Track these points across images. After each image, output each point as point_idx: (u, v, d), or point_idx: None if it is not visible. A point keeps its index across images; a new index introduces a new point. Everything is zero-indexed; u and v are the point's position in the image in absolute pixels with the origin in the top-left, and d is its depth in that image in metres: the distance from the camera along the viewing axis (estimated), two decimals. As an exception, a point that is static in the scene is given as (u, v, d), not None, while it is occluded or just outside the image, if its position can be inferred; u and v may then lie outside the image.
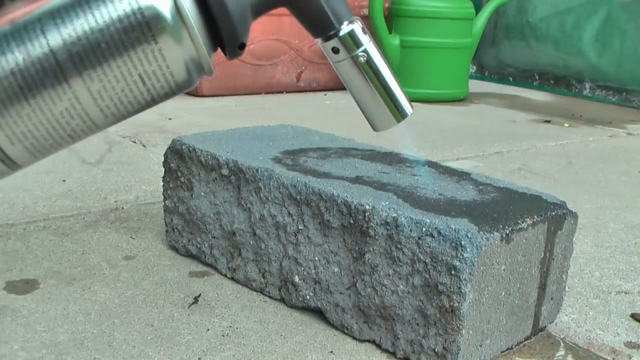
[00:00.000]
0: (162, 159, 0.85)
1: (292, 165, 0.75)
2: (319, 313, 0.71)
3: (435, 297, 0.60)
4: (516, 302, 0.64)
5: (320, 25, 0.44)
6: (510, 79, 2.82)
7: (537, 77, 2.75)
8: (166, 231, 0.87)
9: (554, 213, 0.66)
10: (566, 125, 1.97)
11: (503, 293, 0.62)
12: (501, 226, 0.60)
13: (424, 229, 0.60)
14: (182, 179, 0.82)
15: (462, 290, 0.58)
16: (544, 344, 0.69)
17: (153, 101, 0.39)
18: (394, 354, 0.65)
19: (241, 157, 0.76)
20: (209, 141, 0.82)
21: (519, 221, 0.62)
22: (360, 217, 0.64)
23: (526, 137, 1.75)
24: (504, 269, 0.61)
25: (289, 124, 0.98)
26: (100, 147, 1.40)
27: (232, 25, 0.39)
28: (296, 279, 0.71)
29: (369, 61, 0.46)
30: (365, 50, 0.45)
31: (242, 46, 0.40)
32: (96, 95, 0.37)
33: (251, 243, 0.75)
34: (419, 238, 0.60)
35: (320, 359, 0.64)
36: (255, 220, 0.74)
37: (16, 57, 0.36)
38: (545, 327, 0.71)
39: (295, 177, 0.71)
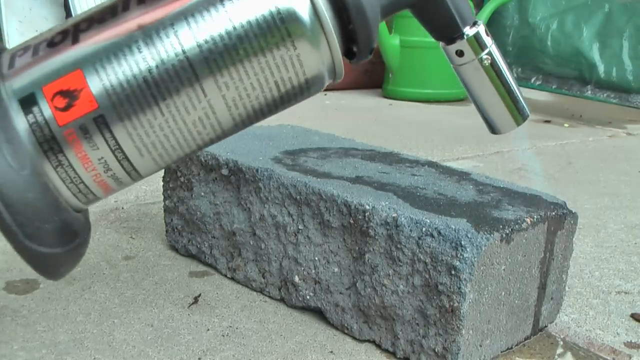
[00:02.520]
0: (162, 159, 0.85)
1: (292, 165, 0.75)
2: (319, 313, 0.71)
3: (435, 297, 0.60)
4: (516, 302, 0.64)
5: (446, 27, 0.44)
6: (510, 78, 2.81)
7: (537, 77, 2.75)
8: (166, 231, 0.87)
9: (554, 213, 0.66)
10: (566, 125, 1.97)
11: (503, 293, 0.62)
12: (501, 226, 0.60)
13: (424, 229, 0.60)
14: (182, 179, 0.82)
15: (462, 290, 0.58)
16: (544, 344, 0.69)
17: (282, 107, 0.38)
18: (394, 354, 0.65)
19: (241, 157, 0.76)
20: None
21: (519, 221, 0.62)
22: (360, 217, 0.64)
23: (526, 137, 1.75)
24: (504, 269, 0.61)
25: (289, 124, 0.98)
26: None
27: (368, 30, 0.38)
28: (296, 279, 0.71)
29: (493, 63, 0.45)
30: (489, 53, 0.45)
31: (372, 50, 0.39)
32: (230, 103, 0.36)
33: (251, 243, 0.75)
34: (419, 238, 0.60)
35: (320, 359, 0.64)
36: (255, 220, 0.74)
37: (149, 64, 0.34)
38: (545, 327, 0.71)
39: (295, 177, 0.71)
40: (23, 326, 0.67)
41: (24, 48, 0.36)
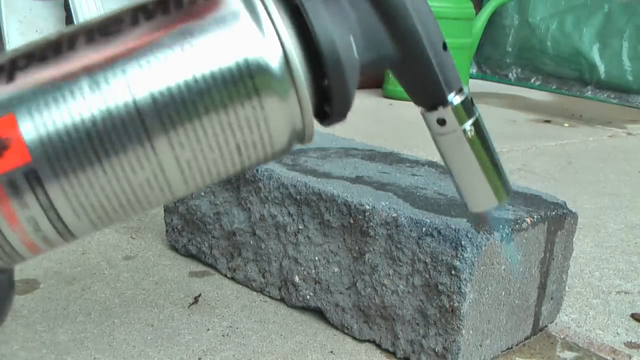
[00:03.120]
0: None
1: (292, 165, 0.75)
2: (319, 313, 0.71)
3: (435, 297, 0.60)
4: (516, 302, 0.64)
5: (429, 93, 0.39)
6: (511, 79, 2.82)
7: (537, 77, 2.75)
8: (166, 231, 0.87)
9: (554, 213, 0.66)
10: (566, 125, 1.97)
11: (503, 293, 0.62)
12: (501, 226, 0.60)
13: (424, 229, 0.60)
14: (182, 179, 0.82)
15: (462, 290, 0.58)
16: (544, 344, 0.69)
17: (241, 171, 0.34)
18: (394, 354, 0.65)
19: (241, 157, 0.76)
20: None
21: (519, 221, 0.62)
22: (360, 217, 0.64)
23: (526, 137, 1.75)
24: (504, 269, 0.61)
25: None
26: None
27: (346, 90, 0.33)
28: (296, 278, 0.71)
29: (479, 134, 0.41)
30: (475, 123, 0.40)
31: (347, 113, 0.34)
32: (184, 165, 0.31)
33: (251, 243, 0.75)
34: (419, 238, 0.60)
35: (320, 359, 0.64)
36: (255, 220, 0.74)
37: (94, 113, 0.30)
38: (545, 327, 0.71)
39: (295, 177, 0.71)
40: (23, 326, 0.67)
41: None
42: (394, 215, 0.62)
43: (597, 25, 2.55)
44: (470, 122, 0.40)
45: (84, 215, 0.31)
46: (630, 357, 0.67)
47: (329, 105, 0.33)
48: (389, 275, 0.63)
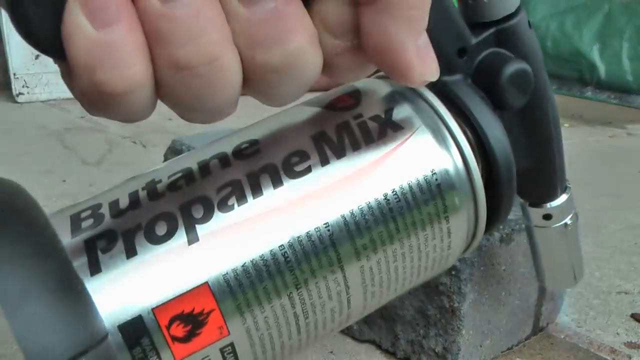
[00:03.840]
0: (162, 159, 0.85)
1: (292, 165, 0.75)
2: (319, 313, 0.71)
3: (435, 298, 0.60)
4: (516, 302, 0.64)
5: (545, 194, 0.40)
6: (510, 79, 2.81)
7: (537, 77, 2.75)
8: (166, 231, 0.87)
9: (554, 213, 0.66)
10: (566, 125, 1.97)
11: (503, 293, 0.62)
12: (501, 226, 0.60)
13: (424, 229, 0.60)
14: (182, 179, 0.82)
15: (462, 291, 0.58)
16: (544, 344, 0.69)
17: (409, 291, 0.32)
18: (394, 354, 0.65)
19: (241, 157, 0.76)
20: (209, 141, 0.82)
21: (519, 221, 0.62)
22: (360, 217, 0.64)
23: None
24: (504, 269, 0.61)
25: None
26: (100, 148, 1.40)
27: (512, 201, 0.32)
28: (296, 279, 0.71)
29: (573, 225, 0.42)
30: (573, 216, 0.42)
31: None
32: (369, 294, 0.29)
33: (251, 243, 0.75)
34: (419, 238, 0.60)
35: (320, 359, 0.64)
36: (255, 220, 0.74)
37: (298, 278, 0.26)
38: (545, 327, 0.71)
39: (295, 177, 0.71)
40: (23, 326, 0.67)
41: (104, 233, 0.25)
42: (394, 215, 0.62)
43: (597, 26, 2.55)
44: (570, 216, 0.42)
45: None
46: (630, 357, 0.67)
47: (495, 212, 0.32)
48: (389, 275, 0.63)
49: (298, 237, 0.26)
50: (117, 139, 1.47)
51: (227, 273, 0.24)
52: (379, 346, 0.66)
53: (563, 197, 0.40)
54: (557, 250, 0.44)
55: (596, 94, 2.54)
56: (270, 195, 0.26)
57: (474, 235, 0.31)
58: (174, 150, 0.82)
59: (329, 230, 0.26)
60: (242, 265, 0.25)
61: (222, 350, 0.25)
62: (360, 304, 0.29)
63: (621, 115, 2.21)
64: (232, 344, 0.25)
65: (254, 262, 0.25)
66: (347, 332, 0.68)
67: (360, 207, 0.27)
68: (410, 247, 0.28)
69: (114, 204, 0.26)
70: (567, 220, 0.42)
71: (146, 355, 0.24)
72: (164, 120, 1.71)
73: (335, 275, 0.26)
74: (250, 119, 0.35)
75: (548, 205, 0.41)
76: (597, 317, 0.75)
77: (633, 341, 0.70)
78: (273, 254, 0.25)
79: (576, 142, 1.74)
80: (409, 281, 0.30)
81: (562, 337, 0.71)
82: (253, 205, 0.26)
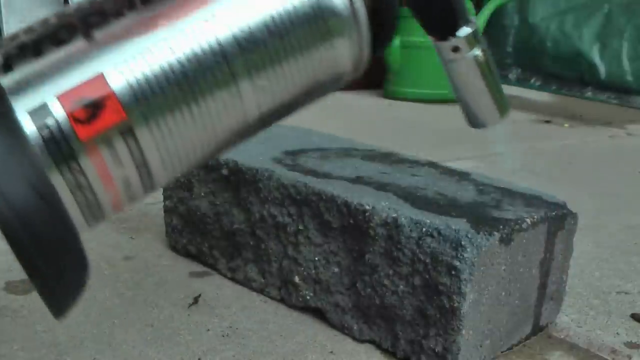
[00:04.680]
0: (162, 159, 0.85)
1: (292, 165, 0.75)
2: (319, 313, 0.71)
3: (435, 297, 0.60)
4: (516, 302, 0.64)
5: (445, 23, 0.44)
6: (511, 79, 2.82)
7: (537, 78, 2.75)
8: (166, 231, 0.87)
9: (554, 213, 0.66)
10: (566, 125, 1.97)
11: (503, 293, 0.62)
12: (501, 226, 0.60)
13: (424, 229, 0.60)
14: (182, 179, 0.82)
15: (462, 291, 0.58)
16: (544, 344, 0.69)
17: (303, 106, 0.36)
18: (394, 354, 0.65)
19: (241, 157, 0.76)
20: None
21: (519, 221, 0.62)
22: (360, 217, 0.64)
23: (526, 137, 1.75)
24: (504, 269, 0.61)
25: (289, 124, 0.98)
26: (100, 147, 1.40)
27: (392, 19, 0.37)
28: (296, 279, 0.71)
29: (487, 59, 0.46)
30: (483, 49, 0.45)
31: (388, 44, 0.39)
32: (264, 107, 0.33)
33: (251, 243, 0.75)
34: (419, 238, 0.60)
35: (320, 359, 0.64)
36: (255, 220, 0.74)
37: (182, 61, 0.30)
38: (545, 327, 0.71)
39: (295, 177, 0.71)
40: (23, 326, 0.67)
41: (19, 46, 0.31)
42: (394, 215, 0.62)
43: (597, 26, 2.55)
44: (479, 48, 0.45)
45: (170, 165, 0.32)
46: (630, 357, 0.67)
47: (380, 33, 0.36)
48: (389, 275, 0.63)
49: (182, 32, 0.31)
50: (117, 139, 1.47)
51: (120, 64, 0.30)
52: (379, 346, 0.66)
53: (467, 30, 0.44)
54: (473, 84, 0.47)
55: (596, 94, 2.54)
56: (160, 4, 0.31)
57: (360, 58, 0.35)
58: (174, 150, 0.82)
59: (220, 45, 0.31)
60: (133, 57, 0.30)
61: (122, 133, 0.30)
62: (253, 99, 0.33)
63: (621, 116, 2.21)
64: (131, 128, 0.30)
65: (144, 54, 0.30)
66: (347, 332, 0.68)
67: (249, 25, 0.31)
68: (297, 63, 0.33)
69: (26, 27, 0.32)
70: (476, 52, 0.45)
71: (53, 135, 0.28)
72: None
73: (229, 90, 0.31)
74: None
75: (454, 38, 0.45)
76: (597, 317, 0.75)
77: (633, 341, 0.70)
78: (159, 46, 0.30)
79: (576, 142, 1.74)
80: (301, 103, 0.35)
81: (562, 337, 0.71)
82: (142, 11, 0.31)
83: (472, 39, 0.45)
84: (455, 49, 0.45)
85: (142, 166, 0.31)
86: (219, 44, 0.31)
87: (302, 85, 0.34)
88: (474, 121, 0.50)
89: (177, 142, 0.31)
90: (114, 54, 0.30)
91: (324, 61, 0.33)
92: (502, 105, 0.49)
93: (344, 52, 0.34)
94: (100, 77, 0.29)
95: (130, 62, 0.30)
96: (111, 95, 0.29)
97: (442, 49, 0.46)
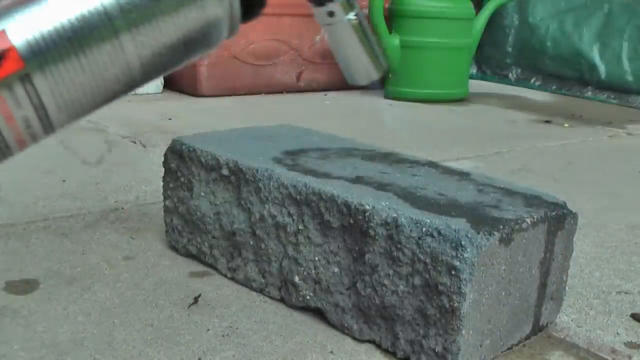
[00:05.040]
0: (162, 159, 0.85)
1: (292, 165, 0.75)
2: (319, 313, 0.71)
3: (435, 297, 0.60)
4: (516, 302, 0.64)
5: None
6: (511, 79, 2.82)
7: (537, 77, 2.75)
8: (166, 231, 0.87)
9: (554, 213, 0.66)
10: (566, 125, 1.97)
11: (503, 293, 0.62)
12: (501, 226, 0.60)
13: (424, 229, 0.60)
14: (182, 179, 0.82)
15: (462, 291, 0.58)
16: (544, 344, 0.69)
17: (183, 61, 0.41)
18: (394, 354, 0.65)
19: (241, 157, 0.76)
20: (209, 141, 0.82)
21: (519, 221, 0.62)
22: (360, 217, 0.64)
23: (526, 137, 1.75)
24: (504, 269, 0.61)
25: (289, 124, 0.98)
26: (100, 147, 1.40)
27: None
28: (296, 279, 0.71)
29: (360, 23, 0.51)
30: (357, 14, 0.50)
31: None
32: (145, 61, 0.38)
33: (251, 243, 0.75)
34: (419, 238, 0.60)
35: (320, 359, 0.64)
36: (255, 220, 0.74)
37: (70, 19, 0.36)
38: (545, 327, 0.71)
39: (295, 177, 0.71)
40: (23, 326, 0.67)
41: None
42: (394, 215, 0.62)
43: (597, 26, 2.55)
44: (353, 13, 0.50)
45: (64, 109, 0.38)
46: (630, 357, 0.67)
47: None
48: (389, 275, 0.63)
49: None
50: (116, 139, 1.47)
51: (20, 22, 0.35)
52: (379, 346, 0.66)
53: None
54: (349, 44, 0.52)
55: (596, 94, 2.54)
56: None
57: (232, 17, 0.40)
58: (174, 150, 0.82)
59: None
60: (31, 17, 0.35)
61: (21, 79, 0.35)
62: (134, 52, 0.38)
63: (621, 115, 2.21)
64: (28, 75, 0.35)
65: (40, 14, 0.35)
66: (347, 332, 0.68)
67: None
68: (172, 21, 0.38)
69: None
70: (351, 16, 0.50)
71: None
72: (164, 120, 1.71)
73: (113, 45, 0.37)
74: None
75: (330, 3, 0.49)
76: (597, 317, 0.75)
77: (633, 341, 0.70)
78: (53, 8, 0.35)
79: (576, 142, 1.74)
80: (179, 58, 0.40)
81: (562, 337, 0.71)
82: None
83: (346, 5, 0.50)
84: (331, 14, 0.50)
85: (40, 108, 0.37)
86: (103, 6, 0.36)
87: (177, 40, 0.39)
88: (351, 78, 0.55)
89: (69, 88, 0.37)
90: (15, 15, 0.35)
91: (196, 20, 0.39)
92: (377, 64, 0.54)
93: (214, 12, 0.39)
94: (2, 33, 0.35)
95: (28, 21, 0.35)
96: (12, 48, 0.35)
97: (320, 13, 0.50)
